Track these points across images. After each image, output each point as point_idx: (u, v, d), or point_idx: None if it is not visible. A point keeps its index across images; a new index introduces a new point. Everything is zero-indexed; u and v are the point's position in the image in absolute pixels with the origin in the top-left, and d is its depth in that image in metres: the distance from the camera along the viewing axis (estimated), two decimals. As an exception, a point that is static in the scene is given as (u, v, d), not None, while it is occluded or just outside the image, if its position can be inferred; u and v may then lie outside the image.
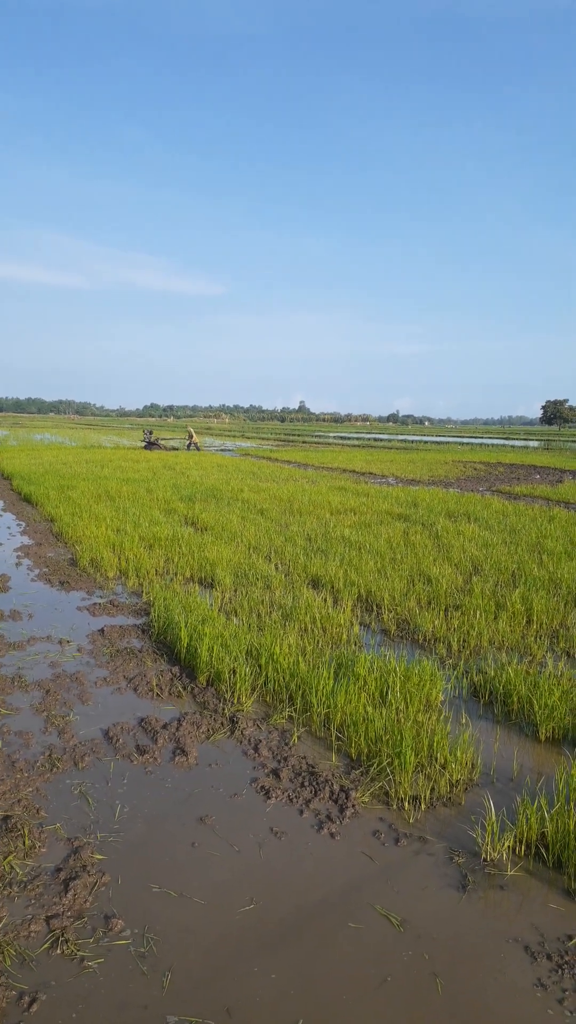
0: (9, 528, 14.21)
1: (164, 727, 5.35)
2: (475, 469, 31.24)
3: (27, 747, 5.03)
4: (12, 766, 4.73)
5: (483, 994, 2.99)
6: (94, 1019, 2.82)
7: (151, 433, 46.38)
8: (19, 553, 11.68)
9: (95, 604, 8.64)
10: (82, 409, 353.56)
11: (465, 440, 79.69)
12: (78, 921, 3.34)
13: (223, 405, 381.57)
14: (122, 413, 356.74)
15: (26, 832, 3.97)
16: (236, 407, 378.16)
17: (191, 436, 44.34)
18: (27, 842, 3.89)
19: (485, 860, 3.86)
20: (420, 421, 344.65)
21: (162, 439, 48.17)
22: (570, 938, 3.31)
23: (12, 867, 3.71)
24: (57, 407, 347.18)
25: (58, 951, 3.16)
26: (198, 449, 42.38)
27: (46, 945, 3.19)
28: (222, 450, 44.22)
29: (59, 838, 3.99)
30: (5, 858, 3.76)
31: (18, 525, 14.57)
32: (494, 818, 4.03)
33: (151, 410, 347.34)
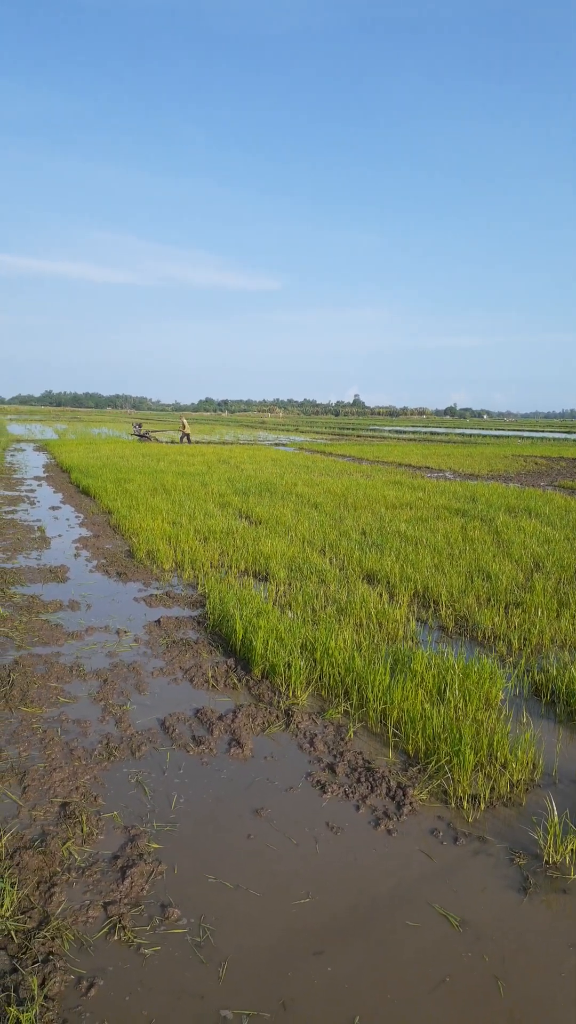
0: (68, 520, 14.49)
1: (220, 718, 5.36)
2: (536, 463, 30.57)
3: (85, 736, 5.10)
4: (71, 754, 4.80)
5: (547, 1001, 2.89)
6: (150, 1006, 2.84)
7: (140, 426, 48.60)
8: (78, 545, 11.89)
9: (151, 595, 8.74)
10: (138, 403, 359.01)
11: (525, 433, 78.07)
12: (135, 908, 3.37)
13: (277, 399, 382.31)
14: (177, 407, 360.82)
15: (84, 819, 4.02)
16: (290, 401, 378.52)
17: (184, 427, 44.56)
18: (85, 829, 3.94)
19: (547, 863, 3.75)
20: (478, 414, 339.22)
21: (152, 432, 49.11)
22: None
23: (71, 853, 3.76)
24: (114, 402, 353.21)
25: (115, 937, 3.19)
26: (189, 441, 42.67)
27: (103, 931, 3.22)
28: (276, 444, 44.28)
29: (116, 826, 4.03)
30: (64, 844, 3.81)
31: (77, 517, 14.85)
32: (556, 820, 3.91)
33: (206, 404, 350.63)
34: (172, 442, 43.18)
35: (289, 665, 6.06)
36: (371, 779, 4.52)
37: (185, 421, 46.48)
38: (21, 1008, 2.74)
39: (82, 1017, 2.78)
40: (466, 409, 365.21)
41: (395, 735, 5.16)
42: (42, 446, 38.23)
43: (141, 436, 44.43)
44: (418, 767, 4.71)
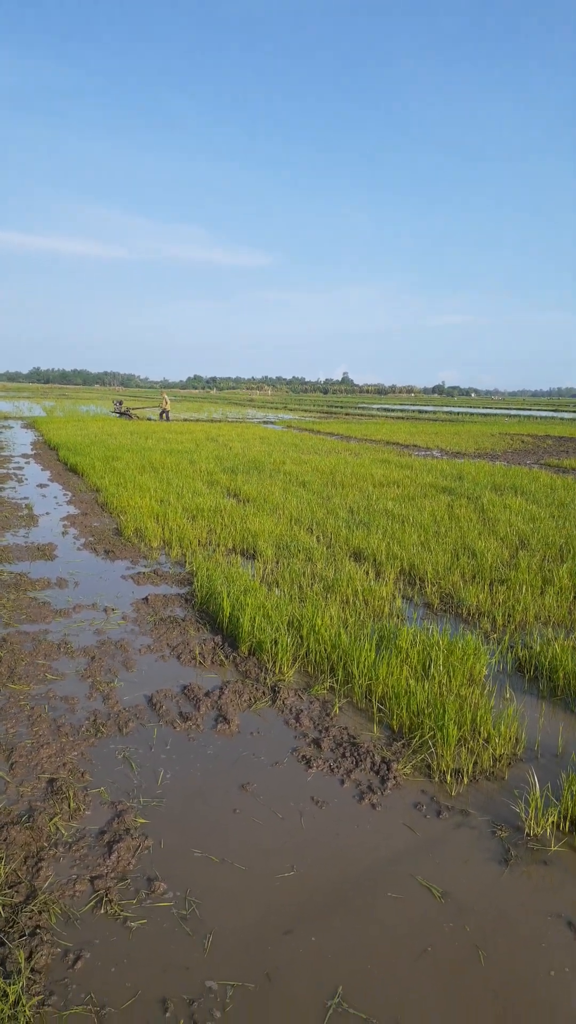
0: (56, 498, 14.42)
1: (207, 695, 5.39)
2: (522, 442, 30.65)
3: (72, 712, 5.12)
4: (58, 730, 4.82)
5: (526, 968, 2.96)
6: (137, 978, 2.87)
7: (121, 403, 48.89)
8: (65, 522, 11.85)
9: (139, 573, 8.73)
10: (127, 381, 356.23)
11: (512, 412, 78.24)
12: (121, 883, 3.40)
13: (265, 377, 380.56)
14: (165, 385, 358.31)
15: (71, 795, 4.04)
16: (279, 379, 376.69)
17: (165, 403, 44.79)
18: (72, 805, 3.97)
19: (528, 835, 3.81)
20: (466, 392, 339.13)
21: (133, 409, 49.03)
22: (615, 916, 3.25)
23: (58, 828, 3.79)
24: (102, 379, 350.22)
25: (102, 911, 3.22)
26: (167, 419, 42.75)
27: (90, 905, 3.26)
28: (264, 422, 44.14)
29: (103, 801, 4.06)
30: (51, 820, 3.84)
31: (65, 495, 14.78)
32: (538, 793, 3.97)
33: (194, 382, 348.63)
34: (151, 419, 42.93)
35: (276, 642, 6.09)
36: (356, 754, 4.57)
37: (167, 397, 46.18)
38: (8, 981, 2.77)
39: (69, 989, 2.82)
40: (454, 387, 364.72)
41: (380, 711, 5.21)
42: (30, 423, 37.93)
43: (122, 414, 44.42)
44: (402, 742, 4.76)
